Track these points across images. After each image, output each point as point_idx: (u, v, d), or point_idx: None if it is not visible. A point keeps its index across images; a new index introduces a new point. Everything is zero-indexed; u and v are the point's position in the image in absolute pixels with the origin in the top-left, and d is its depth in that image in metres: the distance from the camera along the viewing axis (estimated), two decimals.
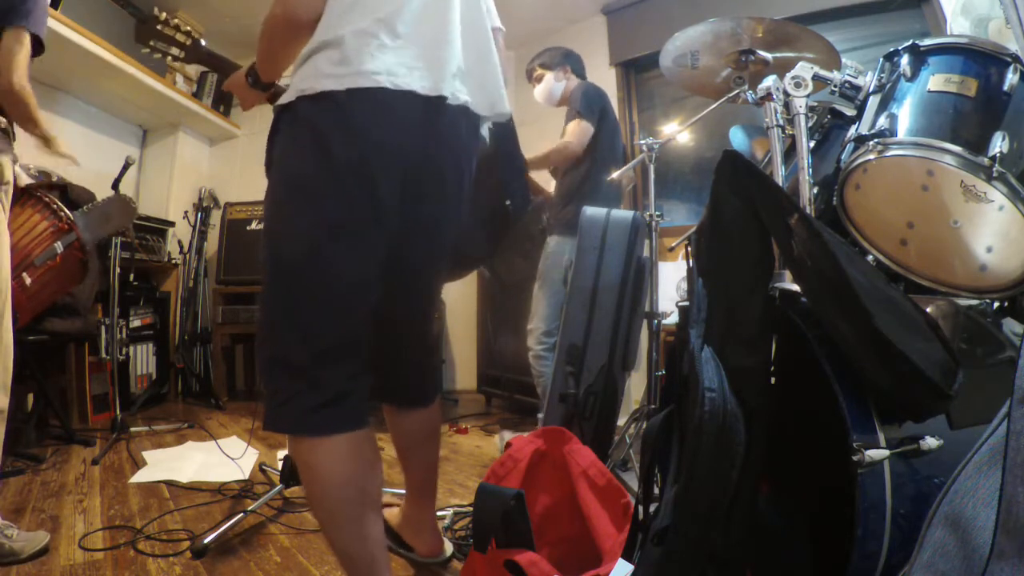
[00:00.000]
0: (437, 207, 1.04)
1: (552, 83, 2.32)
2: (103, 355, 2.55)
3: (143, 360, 3.04)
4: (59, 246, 1.79)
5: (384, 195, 0.94)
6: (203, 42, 1.29)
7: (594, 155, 2.16)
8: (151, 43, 1.27)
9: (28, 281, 1.70)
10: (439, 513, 1.45)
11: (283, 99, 0.95)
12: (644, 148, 1.84)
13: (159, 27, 1.25)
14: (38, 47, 1.41)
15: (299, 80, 0.93)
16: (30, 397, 2.28)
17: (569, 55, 2.36)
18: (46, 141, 1.50)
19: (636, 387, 2.45)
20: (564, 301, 2.09)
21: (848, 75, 1.20)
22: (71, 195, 2.17)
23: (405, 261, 1.04)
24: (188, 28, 1.27)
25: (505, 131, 1.18)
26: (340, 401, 0.91)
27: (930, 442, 0.68)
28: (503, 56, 1.17)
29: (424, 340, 1.22)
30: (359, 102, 0.90)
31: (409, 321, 1.15)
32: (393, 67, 0.91)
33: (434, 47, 0.97)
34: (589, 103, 2.15)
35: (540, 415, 2.16)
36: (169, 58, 1.28)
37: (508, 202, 1.23)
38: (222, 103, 3.73)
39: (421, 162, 0.97)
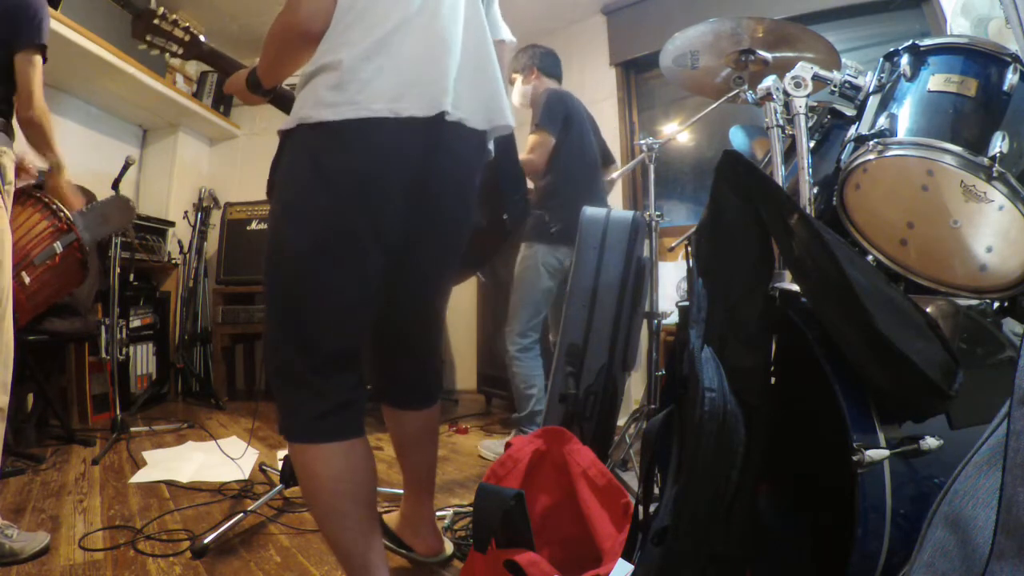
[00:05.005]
0: (445, 215, 1.05)
1: (520, 86, 2.32)
2: (103, 355, 2.55)
3: (143, 360, 3.04)
4: (58, 246, 1.79)
5: (385, 219, 0.95)
6: (203, 38, 1.27)
7: (558, 164, 2.14)
8: (148, 38, 1.24)
9: (27, 280, 1.70)
10: (439, 513, 1.45)
11: (286, 124, 0.95)
12: (644, 148, 1.84)
13: (156, 22, 1.23)
14: (43, 51, 1.44)
15: (300, 106, 0.94)
16: (30, 397, 2.28)
17: (535, 55, 2.32)
18: (58, 168, 1.55)
19: (636, 387, 2.45)
20: (536, 301, 2.13)
21: (848, 75, 1.20)
22: None
23: (413, 267, 1.06)
24: (187, 24, 1.26)
25: (504, 143, 1.18)
26: (342, 410, 0.94)
27: (930, 442, 0.68)
28: (506, 68, 1.16)
29: (429, 341, 1.23)
30: (357, 133, 0.90)
31: (415, 323, 1.17)
32: (390, 92, 0.91)
33: (433, 64, 0.96)
34: (551, 114, 2.13)
35: (515, 415, 2.18)
36: (167, 55, 1.27)
37: (505, 216, 1.24)
38: (222, 103, 3.73)
39: (426, 173, 0.97)
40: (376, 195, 0.93)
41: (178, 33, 1.25)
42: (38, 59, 1.41)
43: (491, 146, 1.12)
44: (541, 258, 2.11)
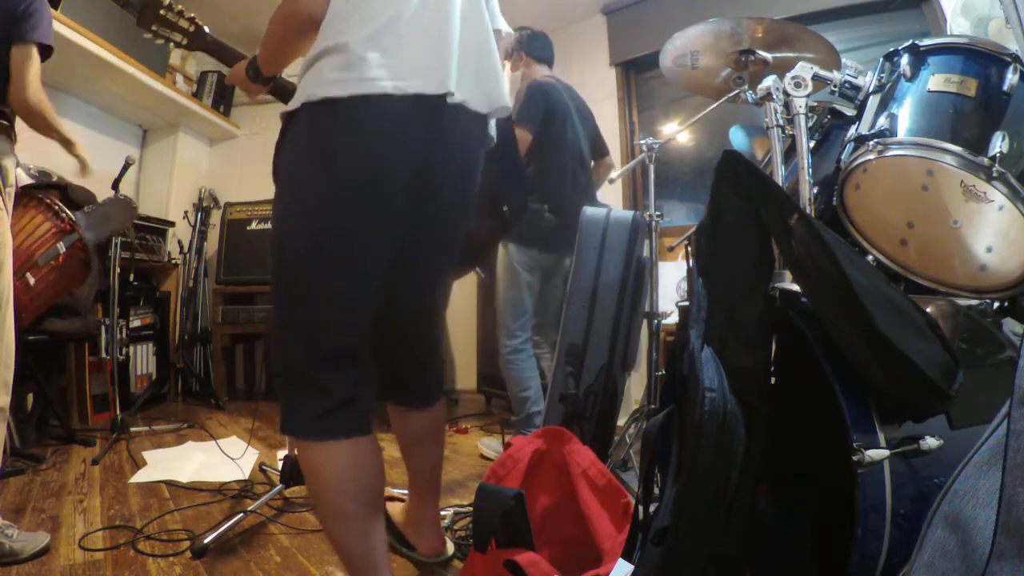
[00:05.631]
0: (444, 210, 1.05)
1: (508, 73, 2.25)
2: (103, 355, 2.55)
3: (143, 360, 3.04)
4: (61, 246, 1.79)
5: (389, 201, 0.95)
6: (207, 29, 1.28)
7: (537, 161, 2.10)
8: (153, 27, 1.25)
9: (32, 281, 1.71)
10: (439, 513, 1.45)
11: (289, 106, 0.95)
12: (644, 148, 1.84)
13: (162, 12, 1.24)
14: (46, 51, 1.43)
15: (304, 87, 0.94)
16: (30, 397, 2.28)
17: (522, 39, 2.25)
18: (67, 144, 1.54)
19: (636, 387, 2.45)
20: (517, 300, 2.11)
21: (848, 75, 1.20)
22: (71, 195, 2.17)
23: (411, 263, 1.05)
24: (192, 15, 1.27)
25: (504, 133, 1.18)
26: (346, 407, 0.94)
27: (930, 442, 0.68)
28: (502, 56, 1.17)
29: (429, 339, 1.22)
30: (363, 108, 0.90)
31: (415, 321, 1.17)
32: (396, 70, 0.91)
33: (436, 45, 0.96)
34: (528, 109, 2.08)
35: (513, 419, 2.17)
36: (172, 44, 1.28)
37: (505, 207, 1.23)
38: (222, 103, 3.73)
39: (426, 165, 0.97)
40: (380, 177, 0.93)
41: (183, 24, 1.26)
42: (34, 51, 1.40)
43: (492, 131, 1.12)
44: (514, 257, 2.10)
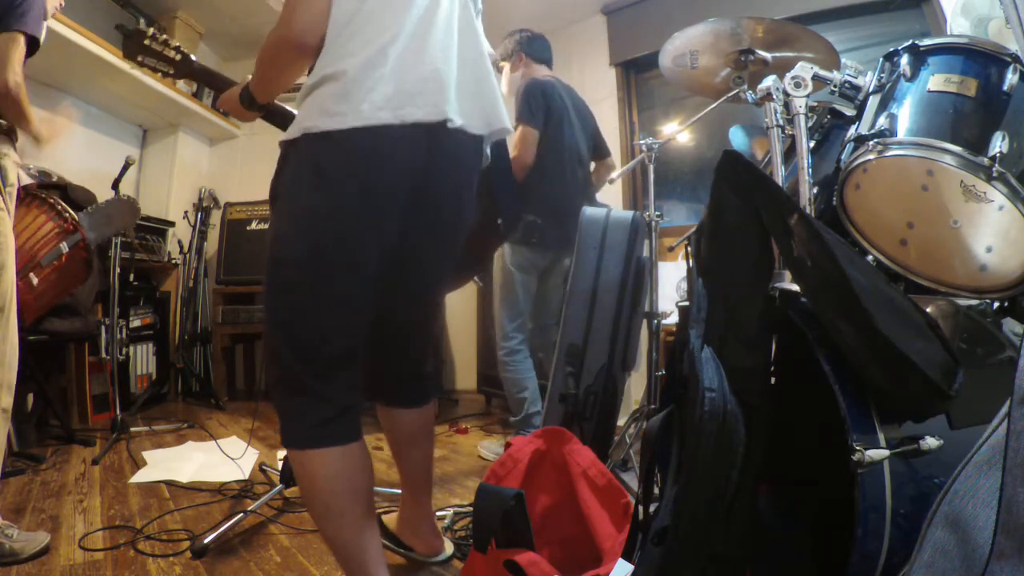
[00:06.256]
0: (442, 216, 1.06)
1: (508, 73, 2.25)
2: (103, 355, 2.55)
3: (143, 360, 3.04)
4: (64, 246, 1.80)
5: (386, 227, 0.96)
6: (194, 57, 1.28)
7: (535, 160, 2.08)
8: (139, 58, 1.26)
9: (35, 281, 1.71)
10: (439, 513, 1.45)
11: (289, 134, 0.95)
12: (644, 148, 1.84)
13: (147, 42, 1.24)
14: (33, 46, 1.42)
15: (303, 117, 0.94)
16: (30, 397, 2.28)
17: (522, 40, 2.24)
18: (36, 139, 1.50)
19: (636, 387, 2.45)
20: (512, 301, 2.11)
21: (848, 75, 1.20)
22: (71, 195, 2.17)
23: (410, 268, 1.06)
24: (177, 43, 1.27)
25: (498, 147, 1.18)
26: (343, 415, 0.96)
27: (930, 442, 0.68)
28: (500, 59, 1.18)
29: (424, 344, 1.23)
30: (362, 139, 0.91)
31: (412, 323, 1.18)
32: (394, 100, 0.92)
33: (434, 70, 0.97)
34: (530, 106, 2.07)
35: (512, 419, 2.16)
36: (160, 74, 1.28)
37: (499, 220, 1.24)
38: None
39: (425, 181, 0.98)
40: (378, 204, 0.94)
41: (169, 52, 1.26)
42: (21, 39, 1.38)
43: (488, 150, 1.12)
44: (508, 258, 2.10)
